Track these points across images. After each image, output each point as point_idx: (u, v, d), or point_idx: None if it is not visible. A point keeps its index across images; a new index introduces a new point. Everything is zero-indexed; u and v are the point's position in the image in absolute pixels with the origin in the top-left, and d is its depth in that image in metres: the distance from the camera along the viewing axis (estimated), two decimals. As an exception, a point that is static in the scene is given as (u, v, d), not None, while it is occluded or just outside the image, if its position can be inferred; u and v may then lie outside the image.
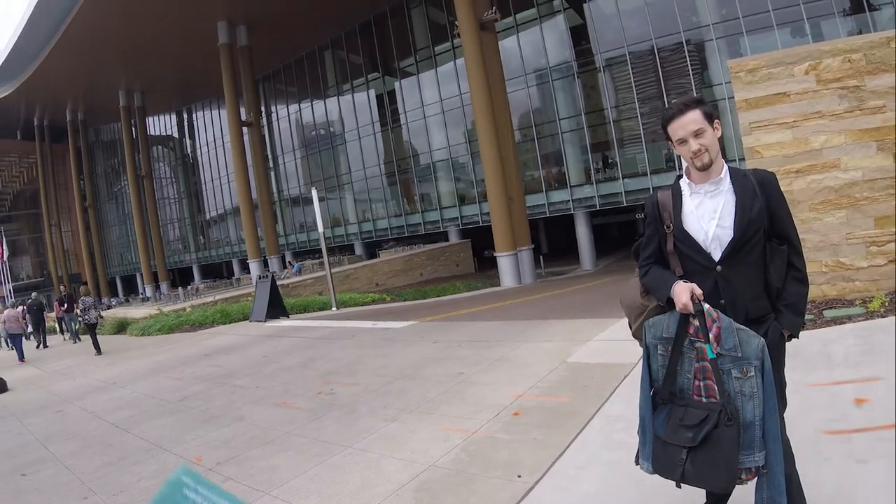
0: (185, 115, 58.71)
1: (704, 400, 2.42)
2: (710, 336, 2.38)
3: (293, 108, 47.80)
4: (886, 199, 6.69)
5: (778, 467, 2.36)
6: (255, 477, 4.76)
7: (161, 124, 62.01)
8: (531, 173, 34.39)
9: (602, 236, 36.41)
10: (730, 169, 2.61)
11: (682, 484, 2.42)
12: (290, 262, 42.71)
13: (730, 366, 2.37)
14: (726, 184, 2.57)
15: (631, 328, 2.88)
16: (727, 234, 2.51)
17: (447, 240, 38.01)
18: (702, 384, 2.43)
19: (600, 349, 7.22)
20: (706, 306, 2.41)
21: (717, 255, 2.53)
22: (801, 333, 2.65)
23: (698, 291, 2.42)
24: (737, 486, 2.39)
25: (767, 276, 2.55)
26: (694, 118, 2.51)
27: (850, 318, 6.16)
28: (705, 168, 2.54)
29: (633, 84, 30.54)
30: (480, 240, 34.93)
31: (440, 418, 5.55)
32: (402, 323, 12.36)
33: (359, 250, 43.48)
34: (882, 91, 6.67)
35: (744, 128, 7.24)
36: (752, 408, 2.34)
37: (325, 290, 21.19)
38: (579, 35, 32.76)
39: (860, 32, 24.08)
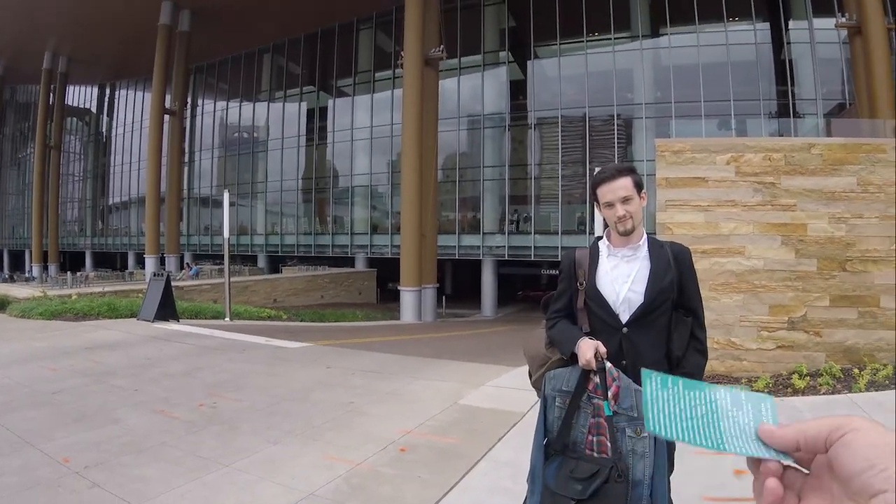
0: (108, 91, 56.21)
1: (596, 455, 2.43)
2: (609, 394, 2.41)
3: (220, 105, 46.72)
4: (783, 290, 7.14)
5: None
6: (124, 486, 4.45)
7: (81, 95, 58.96)
8: (447, 214, 34.69)
9: (506, 286, 36.86)
10: (648, 238, 2.72)
11: None
12: (188, 263, 41.34)
13: (625, 424, 2.40)
14: (643, 251, 2.67)
15: (531, 377, 2.98)
16: (637, 299, 2.59)
17: (353, 266, 37.70)
18: (595, 439, 2.45)
19: (493, 395, 7.22)
20: (608, 364, 2.44)
21: (624, 318, 2.60)
22: None
23: (602, 350, 2.46)
24: None
25: (670, 344, 2.63)
26: (624, 185, 2.61)
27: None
28: (627, 233, 2.62)
29: (559, 146, 31.50)
30: (386, 271, 34.82)
31: (325, 446, 5.40)
32: (296, 343, 12.04)
33: (262, 263, 42.55)
34: (795, 191, 7.12)
35: (660, 204, 7.50)
36: (643, 467, 2.36)
37: (221, 298, 20.57)
38: (517, 90, 33.66)
39: (781, 135, 25.62)
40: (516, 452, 4.87)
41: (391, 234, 35.55)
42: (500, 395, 7.20)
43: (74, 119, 59.70)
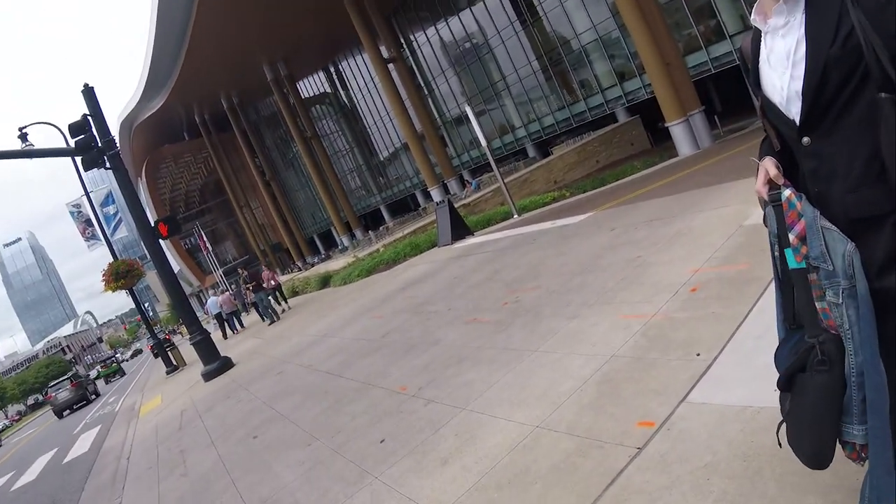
0: (333, 69, 59.89)
1: (824, 326, 1.71)
2: (792, 236, 1.68)
3: (430, 32, 47.19)
4: None
5: (880, 457, 1.62)
6: (452, 395, 5.15)
7: (313, 85, 63.73)
8: (687, 31, 32.09)
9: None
10: None
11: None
12: (468, 180, 43.33)
13: (826, 283, 1.64)
14: (800, 9, 1.64)
15: None
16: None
17: (616, 121, 36.65)
18: (820, 305, 1.71)
19: (778, 205, 6.84)
20: (786, 192, 1.70)
21: (799, 122, 1.67)
22: None
23: (773, 171, 1.73)
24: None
25: (882, 149, 1.53)
26: None
27: None
28: None
29: None
30: (650, 113, 33.37)
31: (619, 306, 5.62)
32: (579, 217, 12.26)
33: (532, 152, 43.05)
34: None
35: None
36: (850, 352, 1.62)
37: (505, 200, 21.39)
38: None
39: None
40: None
41: (639, 75, 33.91)
42: (785, 200, 6.83)
43: (318, 106, 64.79)
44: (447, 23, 45.18)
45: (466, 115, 20.33)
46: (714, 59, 31.14)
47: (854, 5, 1.51)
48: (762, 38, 1.78)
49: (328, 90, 63.05)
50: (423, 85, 48.80)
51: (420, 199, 53.87)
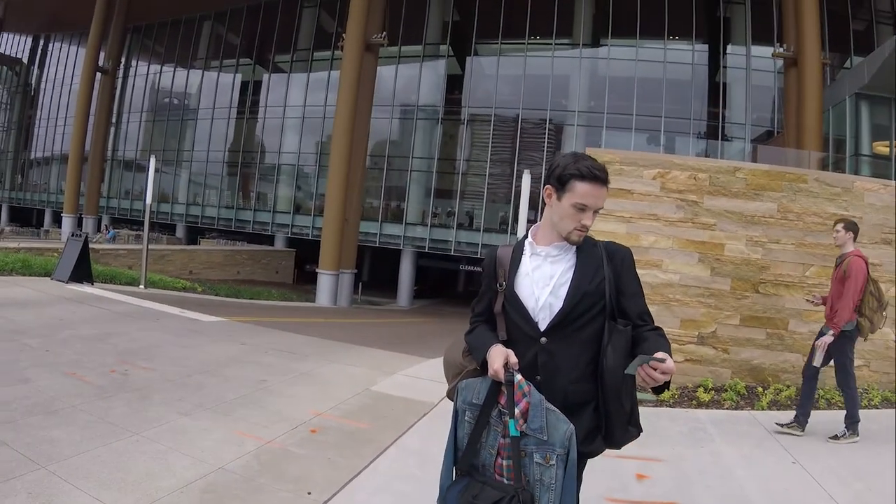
0: (42, 43, 53.56)
1: (506, 481, 2.18)
2: (517, 411, 2.15)
3: (154, 68, 44.93)
4: (695, 305, 7.52)
5: None
6: (32, 447, 4.38)
7: (14, 45, 55.98)
8: (371, 201, 34.61)
9: (424, 277, 37.07)
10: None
11: None
12: (106, 226, 40.04)
13: (533, 448, 2.14)
14: (571, 250, 2.33)
15: (448, 387, 2.62)
16: (559, 305, 2.25)
17: (273, 244, 37.29)
18: (505, 462, 2.19)
19: (405, 384, 7.40)
20: (518, 377, 2.17)
21: (543, 326, 2.26)
22: None
23: (513, 359, 2.19)
24: None
25: (603, 360, 2.22)
26: (605, 195, 2.28)
27: (641, 403, 6.67)
28: (576, 245, 2.31)
29: (490, 144, 31.84)
30: (306, 252, 34.56)
31: (236, 422, 5.45)
32: (211, 317, 11.96)
33: (180, 233, 41.52)
34: (716, 211, 7.56)
35: (584, 212, 7.77)
36: (548, 501, 2.11)
37: (137, 264, 20.04)
38: (454, 84, 33.81)
39: (708, 155, 26.74)
40: (425, 441, 5.07)
41: (314, 215, 35.15)
42: (412, 384, 7.36)
43: (4, 68, 56.76)
44: (174, 70, 43.55)
45: (146, 165, 19.23)
46: (384, 236, 33.59)
47: (608, 264, 2.31)
48: (524, 256, 2.41)
49: (26, 59, 55.49)
50: (116, 111, 45.32)
51: (48, 219, 47.91)
